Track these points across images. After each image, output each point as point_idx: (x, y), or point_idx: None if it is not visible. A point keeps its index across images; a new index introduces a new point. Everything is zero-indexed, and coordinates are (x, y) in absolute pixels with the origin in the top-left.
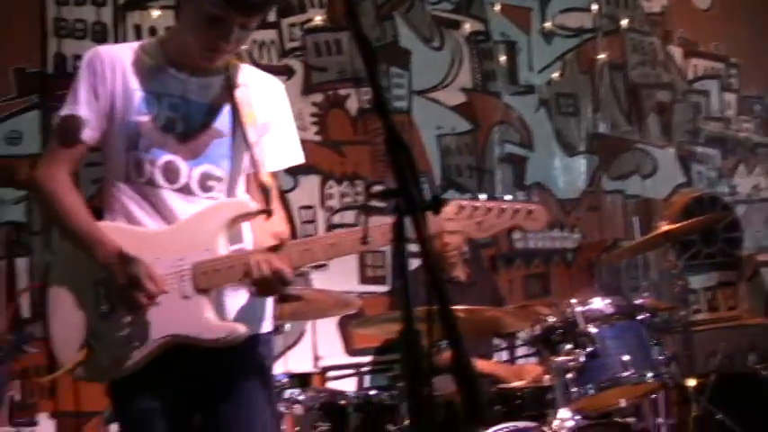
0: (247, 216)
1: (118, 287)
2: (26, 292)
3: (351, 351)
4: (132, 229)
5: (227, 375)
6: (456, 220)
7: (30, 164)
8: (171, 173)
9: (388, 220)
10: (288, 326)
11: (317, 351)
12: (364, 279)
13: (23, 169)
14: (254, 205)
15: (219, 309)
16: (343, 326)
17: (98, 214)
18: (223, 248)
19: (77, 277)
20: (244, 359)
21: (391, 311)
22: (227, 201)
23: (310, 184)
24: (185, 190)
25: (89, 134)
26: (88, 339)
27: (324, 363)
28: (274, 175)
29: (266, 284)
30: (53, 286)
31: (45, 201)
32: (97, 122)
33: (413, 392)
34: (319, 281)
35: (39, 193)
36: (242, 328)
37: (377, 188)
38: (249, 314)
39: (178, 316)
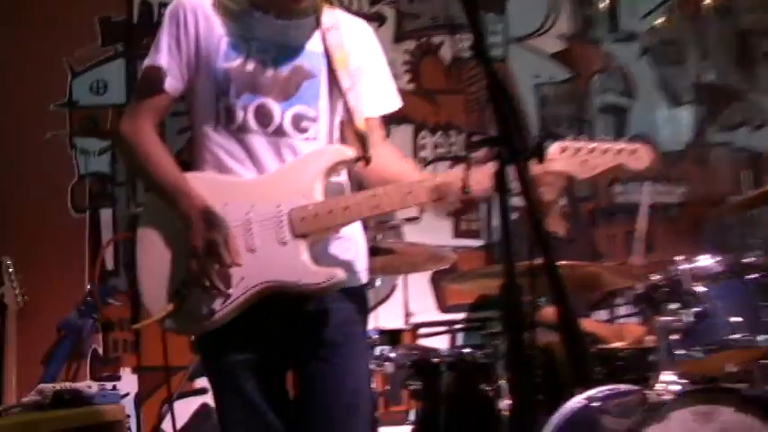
0: (346, 162)
1: (192, 247)
2: (111, 243)
3: (443, 307)
4: (226, 178)
5: (320, 329)
6: (559, 160)
7: (114, 113)
8: (263, 116)
9: (488, 167)
10: (378, 280)
11: (409, 307)
12: (458, 233)
13: (108, 119)
14: (352, 152)
15: (317, 256)
16: (436, 281)
17: (186, 168)
18: (320, 195)
19: (168, 224)
20: (338, 312)
21: (487, 266)
22: (323, 147)
23: (402, 134)
24: (279, 132)
25: (172, 84)
26: (179, 288)
27: (415, 319)
28: (378, 121)
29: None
30: (142, 234)
31: (129, 153)
32: (180, 72)
33: (512, 350)
34: (412, 234)
35: (123, 146)
36: (341, 274)
37: (477, 136)
38: (345, 264)
39: (275, 262)
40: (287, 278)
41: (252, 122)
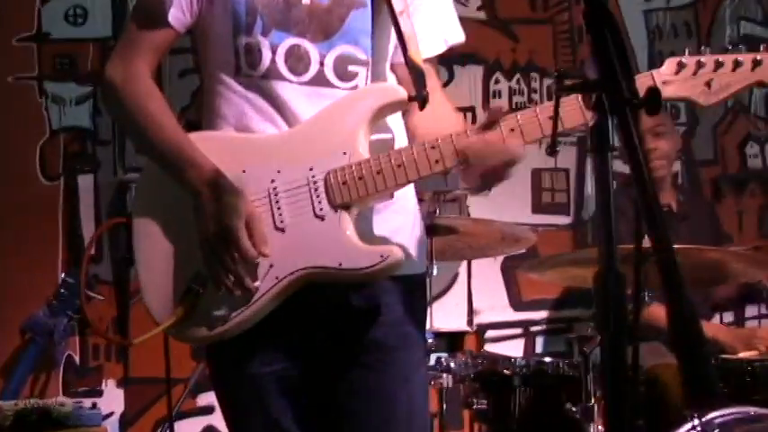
0: (398, 105)
1: (202, 234)
2: (103, 230)
3: (518, 304)
4: (241, 137)
5: (367, 328)
6: (675, 83)
7: (97, 50)
8: (297, 60)
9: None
10: (435, 268)
11: (473, 303)
12: (539, 206)
13: (89, 58)
14: (403, 91)
15: (365, 231)
16: (509, 270)
17: (189, 126)
18: (365, 150)
19: (173, 201)
20: (391, 307)
21: (576, 250)
22: (367, 87)
23: (470, 76)
24: (318, 80)
25: (178, 17)
26: (192, 285)
27: (481, 319)
28: (432, 64)
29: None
30: (140, 215)
31: (118, 106)
32: (189, 2)
33: (610, 361)
34: (478, 208)
35: (110, 96)
36: (398, 252)
37: (569, 80)
38: (400, 245)
39: (311, 242)
40: (327, 262)
41: (282, 68)
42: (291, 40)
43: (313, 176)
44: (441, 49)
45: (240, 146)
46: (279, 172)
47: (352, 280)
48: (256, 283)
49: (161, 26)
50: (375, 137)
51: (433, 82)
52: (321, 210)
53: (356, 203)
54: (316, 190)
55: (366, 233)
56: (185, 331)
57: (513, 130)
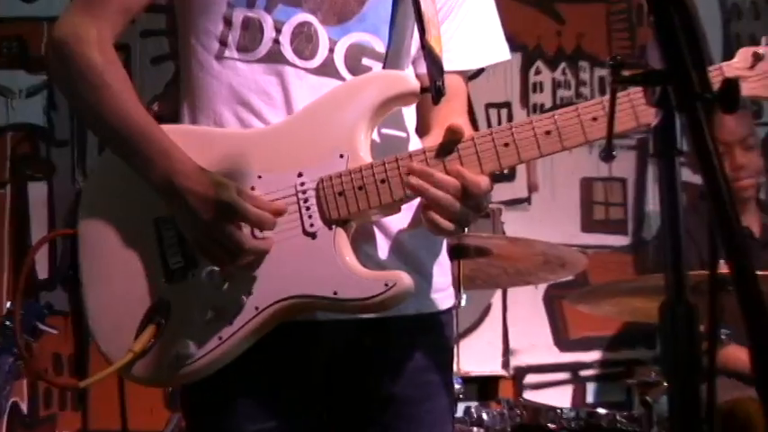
0: (407, 97)
1: (194, 222)
2: (45, 243)
3: (565, 342)
4: (215, 131)
5: (381, 377)
6: (750, 79)
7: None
8: (305, 41)
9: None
10: (463, 299)
11: (510, 341)
12: (590, 223)
13: (43, 41)
14: (415, 81)
15: (368, 252)
16: (554, 300)
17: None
18: (366, 151)
19: (130, 212)
20: (409, 351)
21: (636, 277)
22: (370, 74)
23: (505, 66)
24: (326, 69)
25: None
26: (152, 314)
27: (520, 361)
28: (462, 81)
29: (462, 210)
30: (90, 223)
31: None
32: None
33: (679, 412)
34: (515, 225)
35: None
36: (406, 279)
37: (628, 70)
38: (415, 274)
39: (300, 265)
40: (319, 290)
41: (287, 49)
42: (300, 17)
43: (302, 184)
44: (479, 63)
45: (212, 143)
46: (260, 177)
47: (350, 312)
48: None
49: None
50: (383, 131)
51: (458, 103)
52: (312, 226)
53: (355, 219)
54: (305, 201)
55: (370, 255)
56: (144, 372)
57: (548, 132)
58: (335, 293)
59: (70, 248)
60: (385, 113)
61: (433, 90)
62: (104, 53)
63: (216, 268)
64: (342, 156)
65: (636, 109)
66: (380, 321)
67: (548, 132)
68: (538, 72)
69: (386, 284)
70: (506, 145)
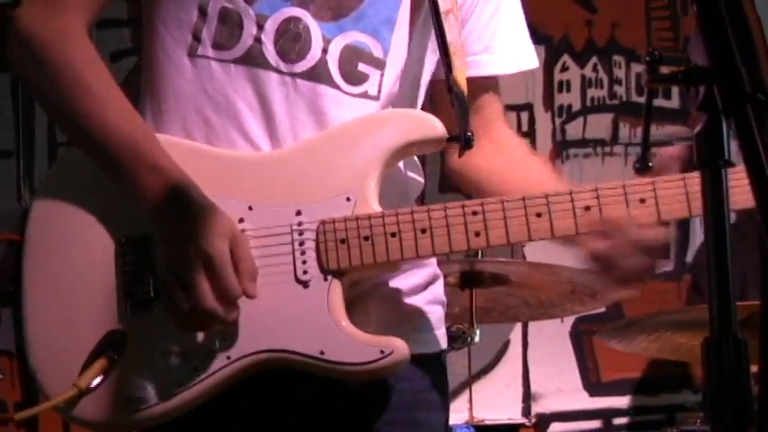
0: (432, 144)
1: (172, 254)
2: None
3: (595, 385)
4: (203, 149)
5: (368, 424)
6: None
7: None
8: (292, 41)
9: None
10: (477, 334)
11: (531, 384)
12: None
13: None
14: (441, 127)
15: (360, 311)
16: (582, 336)
17: None
18: (376, 198)
19: (92, 227)
20: (401, 395)
21: (678, 309)
22: (393, 111)
23: None
24: (316, 74)
25: None
26: (103, 347)
27: (543, 407)
28: (496, 86)
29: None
30: (36, 242)
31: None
32: None
33: None
34: (537, 248)
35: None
36: (403, 348)
37: (665, 67)
38: (409, 321)
39: (285, 316)
40: (304, 347)
41: (269, 49)
42: (288, 11)
43: (299, 224)
44: (510, 69)
45: (204, 162)
46: (251, 209)
47: (335, 376)
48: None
49: None
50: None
51: (493, 111)
52: (305, 273)
53: (352, 273)
54: (301, 244)
55: (366, 310)
56: (90, 414)
57: (643, 200)
58: (322, 353)
59: (13, 259)
60: (401, 158)
61: (462, 139)
62: (80, 51)
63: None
64: (349, 199)
65: (690, 197)
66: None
67: (641, 200)
68: (564, 68)
69: (381, 352)
70: (539, 216)
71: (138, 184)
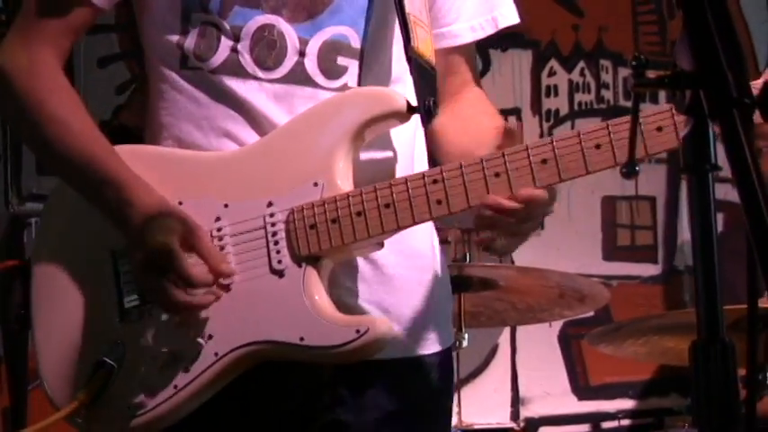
0: (393, 117)
1: (148, 275)
2: None
3: (584, 389)
4: (180, 153)
5: (362, 426)
6: None
7: None
8: (268, 48)
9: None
10: (465, 339)
11: (520, 388)
12: (613, 250)
13: None
14: (402, 98)
15: (341, 295)
16: (571, 340)
17: (123, 136)
18: (346, 178)
19: (87, 242)
20: (403, 400)
21: (667, 312)
22: (351, 91)
23: (514, 66)
24: (296, 77)
25: None
26: (104, 358)
27: (532, 411)
28: (469, 52)
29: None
30: (43, 261)
31: (15, 107)
32: None
33: None
34: (526, 252)
35: (3, 93)
36: (381, 326)
37: (651, 72)
38: (405, 312)
39: (265, 307)
40: (284, 336)
41: (246, 60)
42: (260, 19)
43: (271, 215)
44: (487, 30)
45: (177, 167)
46: (226, 206)
47: (320, 361)
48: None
49: (74, 5)
50: (368, 155)
51: (464, 73)
52: (280, 263)
53: (329, 256)
54: (274, 235)
55: (348, 293)
56: (93, 422)
57: (598, 146)
58: (302, 339)
59: (20, 284)
60: (368, 136)
61: (422, 110)
62: (45, 82)
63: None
64: (316, 184)
65: (646, 137)
66: (363, 363)
67: (544, 161)
68: (552, 73)
69: (357, 331)
70: (497, 175)
71: (98, 200)
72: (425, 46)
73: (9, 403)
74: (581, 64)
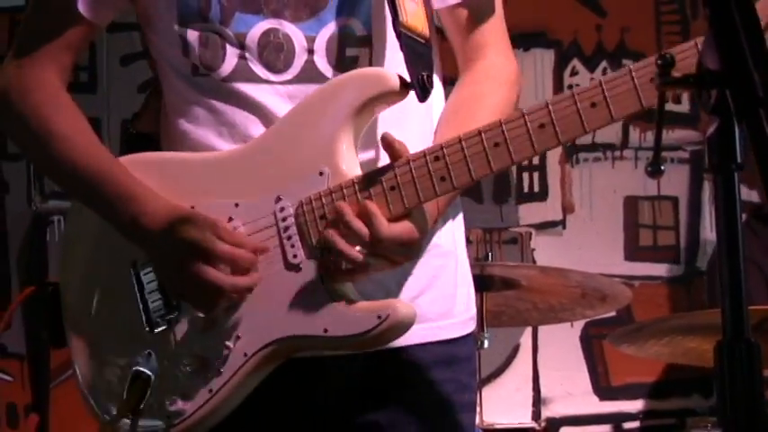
0: (387, 97)
1: (186, 271)
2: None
3: (606, 390)
4: (187, 157)
5: (395, 422)
6: None
7: (3, 21)
8: (275, 51)
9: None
10: (486, 338)
11: (541, 388)
12: (635, 250)
13: None
14: (395, 78)
15: (373, 280)
16: (593, 340)
17: (143, 144)
18: (352, 162)
19: (108, 256)
20: (426, 389)
21: (688, 313)
22: (344, 75)
23: (536, 65)
24: (308, 76)
25: (91, 4)
26: (140, 369)
27: (553, 411)
28: (470, 3)
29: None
30: (72, 272)
31: (20, 129)
32: None
33: None
34: (547, 252)
35: (8, 115)
36: (402, 308)
37: (677, 71)
38: (428, 296)
39: (286, 303)
40: (309, 329)
41: (255, 65)
42: (263, 24)
43: (281, 209)
44: None
45: (182, 171)
46: (237, 206)
47: (348, 350)
48: (255, 276)
49: (68, 17)
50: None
51: (475, 34)
52: (295, 257)
53: None
54: (286, 230)
55: (370, 281)
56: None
57: (543, 126)
58: (326, 331)
59: (48, 303)
60: (368, 118)
61: (416, 86)
62: (48, 100)
63: (198, 314)
64: (322, 173)
65: (641, 89)
66: (393, 353)
67: (541, 126)
68: (574, 72)
69: (378, 317)
70: (542, 127)
71: (110, 215)
72: (416, 19)
73: (32, 400)
74: (603, 64)
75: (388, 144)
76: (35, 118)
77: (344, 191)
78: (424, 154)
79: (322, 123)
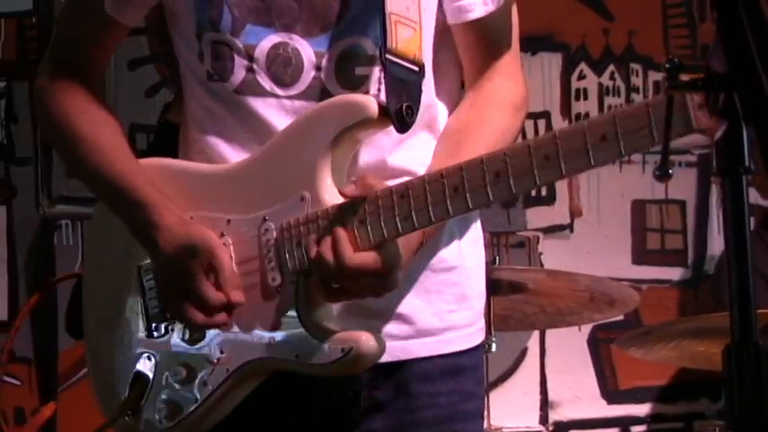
0: (366, 125)
1: (170, 294)
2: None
3: (613, 393)
4: (192, 168)
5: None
6: None
7: (11, 26)
8: (283, 66)
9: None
10: (493, 342)
11: (549, 392)
12: (643, 254)
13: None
14: (373, 106)
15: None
16: (600, 344)
17: (169, 134)
18: (333, 191)
19: (120, 258)
20: (430, 401)
21: (696, 316)
22: (329, 100)
23: (543, 69)
24: (314, 93)
25: (119, 5)
26: (141, 368)
27: (561, 415)
28: (480, 27)
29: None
30: (89, 275)
31: (53, 131)
32: None
33: None
34: (555, 256)
35: (40, 111)
36: (367, 343)
37: (687, 74)
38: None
39: (265, 325)
40: (279, 353)
41: (263, 78)
42: (273, 38)
43: (265, 231)
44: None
45: (186, 180)
46: (229, 222)
47: (321, 374)
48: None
49: (98, 18)
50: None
51: (480, 56)
52: (274, 280)
53: None
54: (269, 252)
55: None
56: (134, 431)
57: (548, 158)
58: (297, 357)
59: (74, 296)
60: (352, 144)
61: (393, 117)
62: (77, 101)
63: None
64: (303, 198)
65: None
66: (396, 366)
67: (546, 157)
68: (582, 76)
69: (342, 350)
70: (547, 159)
71: (127, 218)
72: (407, 45)
73: (38, 404)
74: (611, 67)
75: (362, 178)
76: (64, 119)
77: (320, 221)
78: (390, 192)
79: (307, 147)
